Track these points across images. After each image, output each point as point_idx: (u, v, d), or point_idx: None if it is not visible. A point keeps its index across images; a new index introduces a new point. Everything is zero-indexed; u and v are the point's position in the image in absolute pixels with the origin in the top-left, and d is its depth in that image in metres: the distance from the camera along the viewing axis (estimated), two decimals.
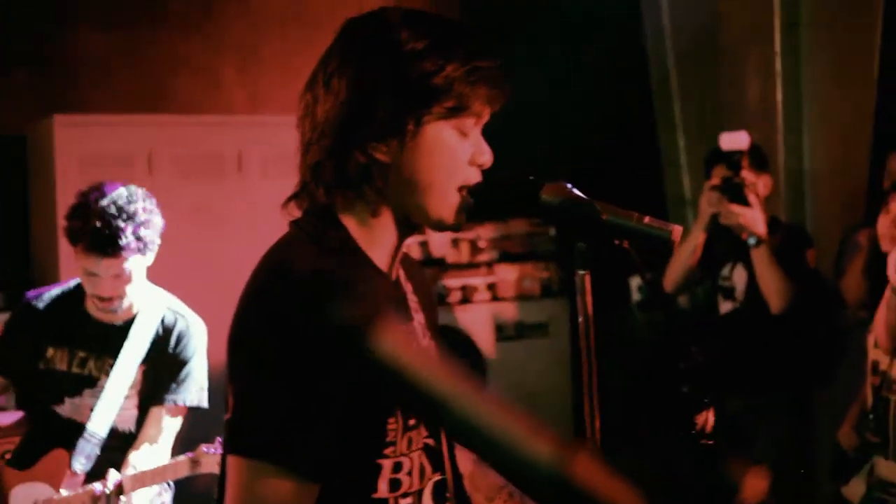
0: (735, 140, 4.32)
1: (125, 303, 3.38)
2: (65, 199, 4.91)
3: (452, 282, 6.21)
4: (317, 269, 1.66)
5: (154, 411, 3.44)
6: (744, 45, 5.98)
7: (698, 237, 4.45)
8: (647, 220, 1.81)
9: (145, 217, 3.27)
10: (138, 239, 3.24)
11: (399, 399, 1.67)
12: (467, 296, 6.29)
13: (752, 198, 4.26)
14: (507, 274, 6.42)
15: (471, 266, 6.32)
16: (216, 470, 3.23)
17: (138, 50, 5.70)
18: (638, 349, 5.98)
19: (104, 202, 3.23)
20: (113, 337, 3.41)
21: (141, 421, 3.45)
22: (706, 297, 5.51)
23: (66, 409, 3.43)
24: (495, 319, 6.29)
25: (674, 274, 4.56)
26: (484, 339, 6.01)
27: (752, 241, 4.31)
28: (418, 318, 1.90)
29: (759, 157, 4.61)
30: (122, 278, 3.29)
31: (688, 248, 4.48)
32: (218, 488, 1.75)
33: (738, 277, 4.56)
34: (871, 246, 4.08)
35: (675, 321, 5.73)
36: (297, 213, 1.80)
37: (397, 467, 1.76)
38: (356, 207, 1.76)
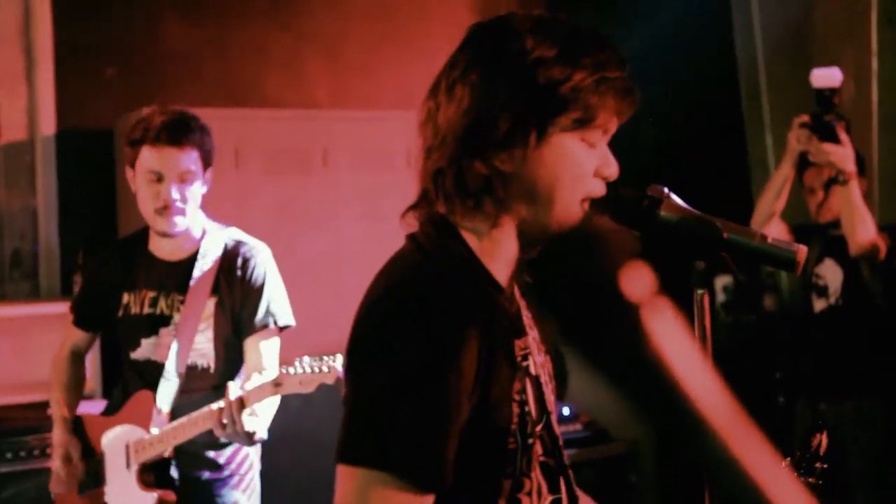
0: (827, 77, 4.18)
1: (185, 222, 3.37)
2: None
3: None
4: (435, 285, 1.63)
5: (248, 342, 3.42)
6: (838, 42, 5.84)
7: (786, 175, 4.34)
8: (769, 239, 1.75)
9: (204, 125, 3.39)
10: (202, 137, 3.35)
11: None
12: None
13: (843, 136, 4.14)
14: None
15: None
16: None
17: (225, 43, 5.73)
18: (724, 353, 5.86)
19: (163, 110, 3.39)
20: (178, 273, 3.42)
21: (218, 356, 3.42)
22: (793, 298, 5.40)
23: (143, 351, 3.45)
24: None
25: (760, 217, 4.35)
26: None
27: (840, 178, 4.20)
28: (532, 334, 1.85)
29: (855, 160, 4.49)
30: (186, 181, 3.32)
31: (774, 186, 4.37)
32: None
33: (832, 274, 4.44)
34: None
35: (765, 323, 5.62)
36: (414, 225, 1.75)
37: (517, 486, 1.72)
38: (476, 219, 1.70)
